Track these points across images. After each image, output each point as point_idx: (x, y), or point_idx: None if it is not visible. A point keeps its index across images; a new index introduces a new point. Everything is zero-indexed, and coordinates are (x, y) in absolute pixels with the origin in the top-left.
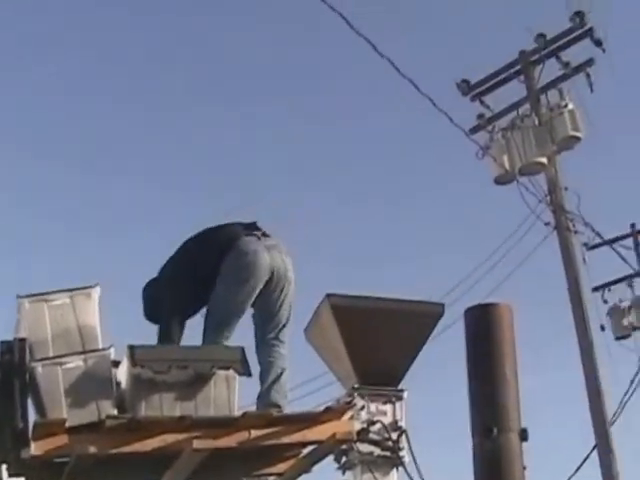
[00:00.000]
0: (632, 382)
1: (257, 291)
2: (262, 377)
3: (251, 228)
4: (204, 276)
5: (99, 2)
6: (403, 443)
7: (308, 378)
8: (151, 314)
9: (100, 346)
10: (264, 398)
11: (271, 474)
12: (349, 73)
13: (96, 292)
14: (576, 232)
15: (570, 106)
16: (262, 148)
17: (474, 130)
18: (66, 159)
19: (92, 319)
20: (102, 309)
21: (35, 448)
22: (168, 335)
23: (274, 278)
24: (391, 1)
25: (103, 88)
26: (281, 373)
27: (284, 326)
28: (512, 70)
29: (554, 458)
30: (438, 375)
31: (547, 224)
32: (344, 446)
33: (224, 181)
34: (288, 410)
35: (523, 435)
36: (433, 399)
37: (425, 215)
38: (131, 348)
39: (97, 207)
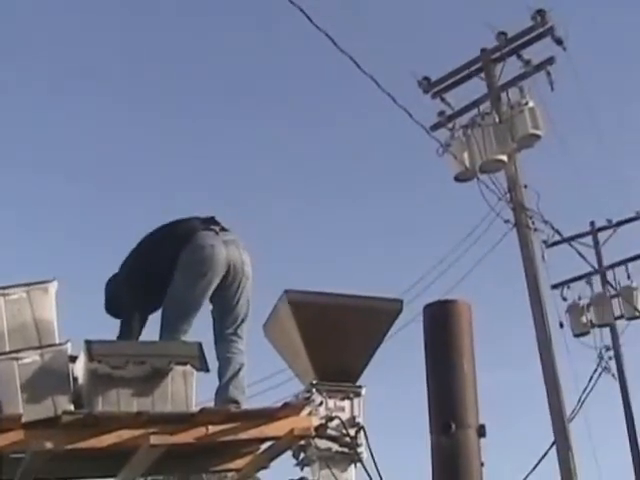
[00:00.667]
0: (591, 379)
1: (214, 285)
2: (220, 372)
3: (209, 222)
4: (163, 270)
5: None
6: (361, 439)
7: (267, 374)
8: (111, 309)
9: (57, 341)
10: (222, 394)
11: (229, 470)
12: (309, 71)
13: (53, 287)
14: (535, 230)
15: (530, 104)
16: (220, 153)
17: (435, 127)
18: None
19: (49, 314)
20: (59, 304)
21: None
22: (127, 331)
23: (231, 272)
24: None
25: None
26: (239, 369)
27: (242, 321)
28: (473, 68)
29: (513, 454)
30: (397, 371)
31: (507, 221)
32: (302, 442)
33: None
34: (246, 406)
35: (481, 431)
36: (392, 395)
37: (385, 212)
38: (88, 343)
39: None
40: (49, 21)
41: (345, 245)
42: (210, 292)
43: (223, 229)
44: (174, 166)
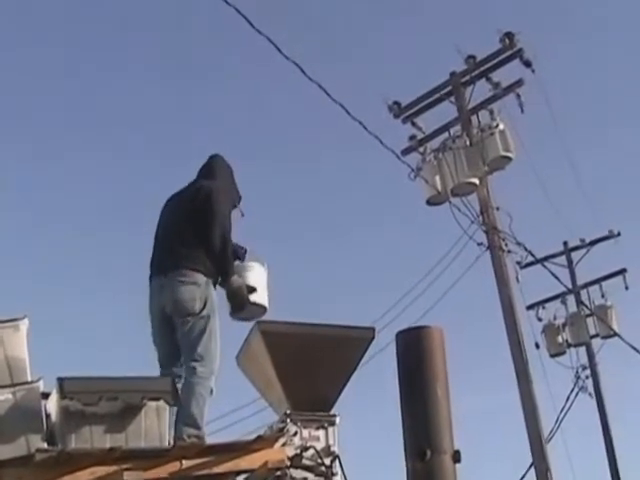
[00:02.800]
0: (568, 398)
1: (154, 333)
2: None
3: (156, 267)
4: None
5: None
6: (336, 468)
7: (241, 404)
8: None
9: (29, 379)
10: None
11: None
12: (279, 99)
13: (24, 324)
14: (509, 251)
15: (501, 126)
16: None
17: (406, 152)
18: None
19: (21, 352)
20: (30, 341)
21: None
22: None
23: (166, 318)
24: (322, 25)
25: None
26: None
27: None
28: (443, 91)
29: (491, 477)
30: (371, 399)
31: (480, 244)
32: (278, 473)
33: None
34: (221, 439)
35: (456, 457)
36: (366, 423)
37: (357, 238)
38: (60, 380)
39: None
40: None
41: (320, 276)
42: (154, 340)
43: (165, 271)
44: None
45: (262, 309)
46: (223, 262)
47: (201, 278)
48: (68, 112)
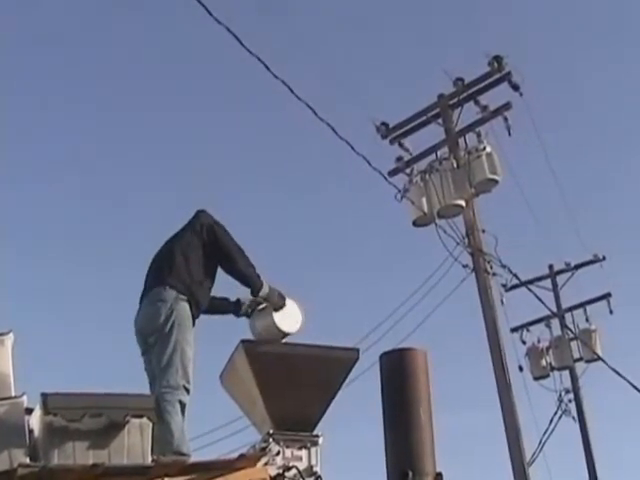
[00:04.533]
0: (551, 421)
1: (142, 353)
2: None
3: (144, 291)
4: None
5: None
6: None
7: (223, 422)
8: None
9: (13, 393)
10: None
11: None
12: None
13: (9, 339)
14: (494, 274)
15: (488, 149)
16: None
17: (393, 173)
18: None
19: (5, 366)
20: (15, 356)
21: None
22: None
23: (142, 338)
24: (309, 44)
25: None
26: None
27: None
28: (431, 113)
29: None
30: (354, 420)
31: (465, 266)
32: None
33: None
34: (203, 457)
35: (438, 479)
36: (349, 444)
37: (343, 257)
38: (44, 396)
39: None
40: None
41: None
42: (144, 358)
43: (149, 288)
44: None
45: (282, 333)
46: (247, 275)
47: (171, 294)
48: None
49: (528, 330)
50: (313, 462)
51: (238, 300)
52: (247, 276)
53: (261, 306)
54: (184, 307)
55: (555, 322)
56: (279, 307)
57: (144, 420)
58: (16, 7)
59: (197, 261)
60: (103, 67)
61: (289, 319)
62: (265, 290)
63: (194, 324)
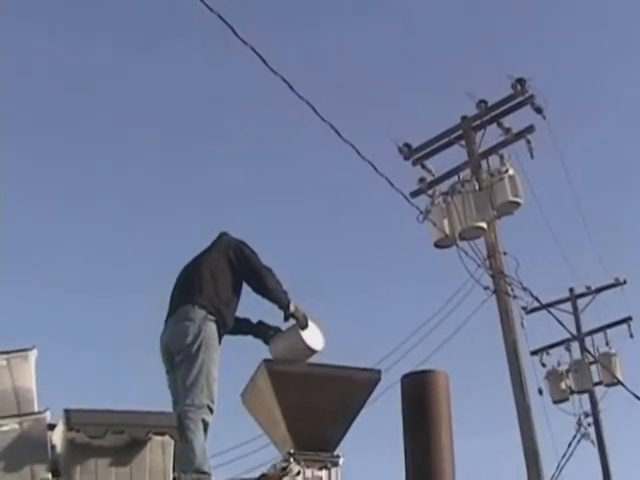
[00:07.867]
0: (570, 445)
1: (167, 371)
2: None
3: (171, 309)
4: None
5: None
6: None
7: (244, 440)
8: None
9: (36, 409)
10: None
11: None
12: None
13: (33, 355)
14: (515, 296)
15: (510, 172)
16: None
17: (415, 194)
18: None
19: (28, 382)
20: (38, 371)
21: None
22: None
23: (168, 357)
24: (332, 65)
25: None
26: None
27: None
28: (453, 135)
29: None
30: (374, 440)
31: (486, 288)
32: None
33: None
34: (224, 475)
35: None
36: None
37: (365, 278)
38: (67, 412)
39: None
40: None
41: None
42: (169, 377)
43: (175, 310)
44: None
45: (310, 351)
46: (276, 292)
47: (200, 313)
48: None
49: (548, 353)
50: None
51: (260, 322)
52: (276, 293)
53: (286, 328)
54: (212, 327)
55: (575, 345)
56: (305, 325)
57: (166, 438)
58: None
59: (225, 281)
60: None
61: (315, 337)
62: (292, 307)
63: (220, 343)
